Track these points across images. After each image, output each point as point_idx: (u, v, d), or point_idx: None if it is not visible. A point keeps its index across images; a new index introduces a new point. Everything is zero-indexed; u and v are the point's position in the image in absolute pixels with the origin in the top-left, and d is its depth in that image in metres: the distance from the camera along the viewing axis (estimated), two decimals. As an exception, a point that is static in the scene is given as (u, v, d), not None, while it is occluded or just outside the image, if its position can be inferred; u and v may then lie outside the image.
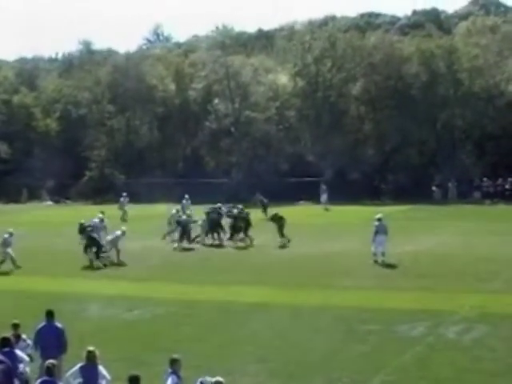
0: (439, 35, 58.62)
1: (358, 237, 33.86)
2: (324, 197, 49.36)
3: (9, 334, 13.01)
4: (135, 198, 53.98)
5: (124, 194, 46.13)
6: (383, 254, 26.59)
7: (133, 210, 46.34)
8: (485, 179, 50.97)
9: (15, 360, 12.11)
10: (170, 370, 11.30)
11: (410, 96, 55.23)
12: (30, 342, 13.64)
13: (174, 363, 11.36)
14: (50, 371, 11.29)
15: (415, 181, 52.00)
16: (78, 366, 11.78)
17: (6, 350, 12.14)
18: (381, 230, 26.81)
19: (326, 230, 35.46)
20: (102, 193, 56.36)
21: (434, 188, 52.49)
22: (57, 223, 38.74)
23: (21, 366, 12.30)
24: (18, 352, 12.43)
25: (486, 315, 18.56)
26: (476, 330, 17.48)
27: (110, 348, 15.51)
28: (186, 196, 43.51)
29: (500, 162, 51.48)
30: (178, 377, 11.20)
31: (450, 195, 51.33)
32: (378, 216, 27.52)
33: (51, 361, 11.54)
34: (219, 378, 10.72)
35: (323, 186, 50.41)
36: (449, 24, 72.29)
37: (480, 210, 44.99)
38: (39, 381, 11.37)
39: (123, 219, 42.27)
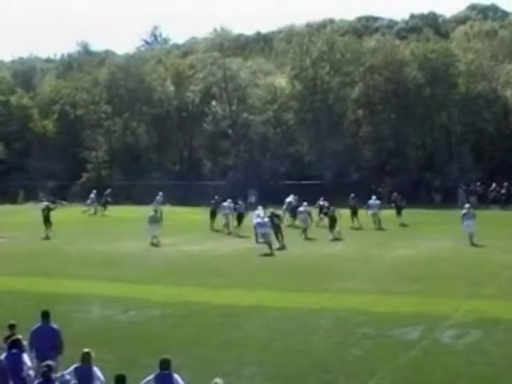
0: (436, 39, 58.65)
1: (355, 240, 33.96)
2: (252, 199, 48.68)
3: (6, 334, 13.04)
4: (132, 200, 54.08)
5: (160, 193, 46.36)
6: (471, 236, 30.81)
7: (128, 211, 46.40)
8: (478, 183, 50.89)
9: (21, 362, 12.07)
10: (164, 372, 11.28)
11: (408, 99, 55.24)
12: (25, 343, 13.60)
13: (165, 364, 11.32)
14: (46, 374, 11.23)
15: (412, 184, 51.95)
16: (73, 366, 11.81)
17: (15, 351, 12.15)
18: (468, 216, 31.47)
19: (322, 233, 35.54)
20: (99, 194, 56.23)
21: (433, 192, 52.44)
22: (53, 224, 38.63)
23: (25, 369, 12.22)
24: (26, 355, 12.37)
25: (480, 320, 18.56)
26: (470, 334, 17.49)
27: (105, 349, 15.54)
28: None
29: (496, 167, 51.47)
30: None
31: (460, 200, 50.02)
32: (467, 205, 33.04)
33: (48, 362, 11.49)
34: (218, 380, 10.76)
35: (252, 190, 49.86)
36: (446, 28, 72.42)
37: (475, 215, 44.85)
38: (36, 382, 11.37)
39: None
